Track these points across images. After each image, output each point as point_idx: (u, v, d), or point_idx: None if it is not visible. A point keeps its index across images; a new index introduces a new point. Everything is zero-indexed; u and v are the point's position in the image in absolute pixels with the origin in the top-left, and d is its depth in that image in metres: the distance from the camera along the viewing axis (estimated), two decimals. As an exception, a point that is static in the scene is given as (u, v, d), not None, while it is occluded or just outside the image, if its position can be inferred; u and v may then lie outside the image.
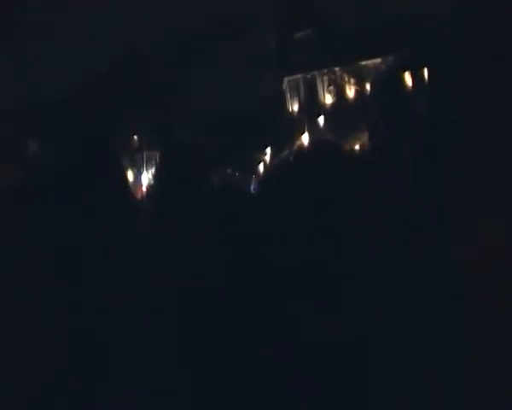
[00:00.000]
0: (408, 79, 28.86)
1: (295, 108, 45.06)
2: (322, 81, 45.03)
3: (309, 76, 44.87)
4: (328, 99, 45.01)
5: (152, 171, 39.02)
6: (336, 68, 44.32)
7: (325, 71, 44.66)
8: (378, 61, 41.51)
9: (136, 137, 42.99)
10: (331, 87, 44.92)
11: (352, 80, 44.44)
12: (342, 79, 44.77)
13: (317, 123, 43.19)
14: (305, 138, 41.74)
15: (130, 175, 40.58)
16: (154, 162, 39.82)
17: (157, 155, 39.85)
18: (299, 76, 44.87)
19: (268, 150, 40.82)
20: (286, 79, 44.82)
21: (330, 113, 43.63)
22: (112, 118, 40.40)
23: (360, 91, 43.29)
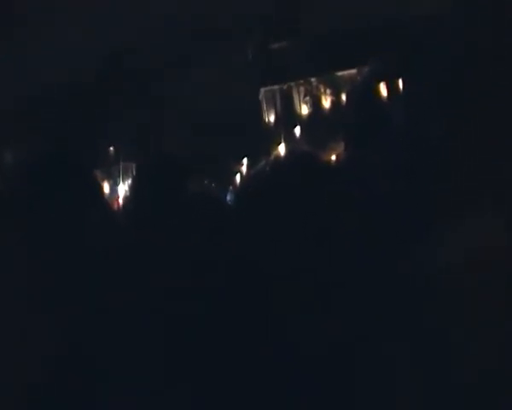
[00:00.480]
0: (383, 89, 29.00)
1: (272, 118, 45.19)
2: (299, 92, 45.20)
3: (285, 87, 45.02)
4: (305, 110, 45.19)
5: (128, 182, 38.87)
6: (312, 79, 44.50)
7: (301, 82, 44.83)
8: (353, 71, 41.71)
9: (112, 148, 42.92)
10: (307, 98, 45.10)
11: (328, 91, 44.63)
12: (318, 89, 44.96)
13: (293, 133, 43.31)
14: (281, 149, 41.80)
15: (106, 187, 40.48)
16: (130, 174, 39.70)
17: (133, 166, 39.73)
18: (276, 87, 45.01)
19: (245, 161, 40.83)
20: (262, 90, 44.95)
21: (306, 123, 43.78)
22: (86, 129, 40.22)
23: (336, 102, 43.47)
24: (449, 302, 2.75)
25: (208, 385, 3.08)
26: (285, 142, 42.20)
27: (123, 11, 40.26)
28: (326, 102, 44.70)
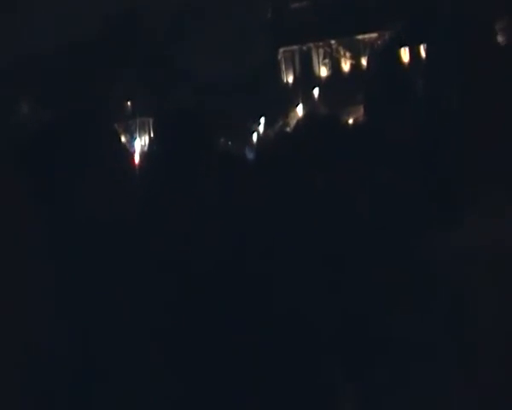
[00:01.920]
0: (405, 55, 28.79)
1: (290, 79, 44.94)
2: (318, 53, 44.88)
3: (304, 48, 44.71)
4: (324, 72, 44.91)
5: (145, 138, 38.90)
6: (332, 41, 44.16)
7: (321, 43, 44.49)
8: (374, 35, 41.37)
9: (129, 103, 42.86)
10: (326, 60, 44.79)
11: (348, 54, 44.30)
12: (338, 52, 44.63)
13: (311, 95, 43.07)
14: (299, 110, 41.62)
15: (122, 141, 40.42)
16: (146, 129, 39.67)
17: (149, 121, 39.71)
18: (295, 47, 44.70)
19: (262, 120, 40.69)
20: (281, 50, 44.65)
21: (325, 85, 43.51)
22: (104, 81, 40.17)
23: (355, 65, 43.17)
24: (458, 291, 2.75)
25: (218, 377, 3.09)
26: (303, 103, 41.98)
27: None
28: (345, 66, 44.41)
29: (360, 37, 42.84)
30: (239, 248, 3.38)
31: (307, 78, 44.15)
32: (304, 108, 41.61)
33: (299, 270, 3.27)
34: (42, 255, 2.73)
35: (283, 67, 44.82)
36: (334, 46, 44.58)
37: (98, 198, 3.03)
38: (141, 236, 3.19)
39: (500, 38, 3.44)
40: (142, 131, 39.89)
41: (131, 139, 39.15)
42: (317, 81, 44.41)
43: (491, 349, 2.66)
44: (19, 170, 2.85)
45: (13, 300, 2.58)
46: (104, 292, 2.85)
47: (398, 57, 5.88)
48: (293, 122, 35.23)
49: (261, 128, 40.25)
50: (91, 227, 2.97)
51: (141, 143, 37.81)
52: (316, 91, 43.40)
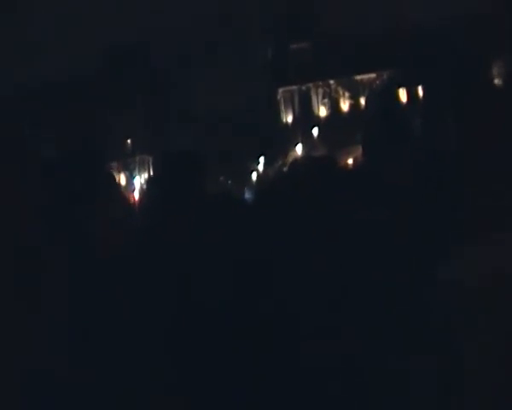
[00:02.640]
0: (403, 95, 28.95)
1: (289, 118, 45.14)
2: (317, 93, 45.13)
3: (304, 88, 44.96)
4: (323, 111, 45.13)
5: (144, 175, 38.95)
6: (331, 81, 44.42)
7: (320, 83, 44.75)
8: (373, 76, 41.64)
9: (128, 141, 42.99)
10: (325, 99, 45.03)
11: (347, 94, 44.55)
12: (337, 92, 44.87)
13: (310, 135, 43.25)
14: (298, 149, 41.78)
15: (122, 179, 40.57)
16: (146, 167, 39.75)
17: (149, 159, 39.80)
18: (294, 87, 44.96)
19: (261, 160, 40.82)
20: (280, 90, 44.90)
21: (324, 125, 43.71)
22: (103, 120, 40.31)
23: (354, 105, 43.38)
24: (459, 320, 2.76)
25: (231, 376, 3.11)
26: (302, 142, 42.15)
27: (140, 6, 40.36)
28: (344, 105, 44.64)
29: (359, 77, 43.12)
30: (238, 286, 3.40)
31: (306, 117, 44.36)
32: (303, 147, 41.77)
33: (298, 308, 3.28)
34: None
35: (283, 107, 45.05)
36: (332, 86, 44.85)
37: (95, 236, 3.06)
38: (141, 271, 3.21)
39: (496, 79, 3.48)
40: (142, 168, 39.98)
41: (131, 177, 39.22)
42: (316, 121, 44.62)
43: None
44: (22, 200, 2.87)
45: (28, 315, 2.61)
46: (106, 327, 2.87)
47: (396, 98, 5.93)
48: (291, 161, 35.28)
49: (260, 167, 40.36)
50: (91, 260, 2.99)
51: (140, 180, 37.86)
52: (315, 131, 43.59)
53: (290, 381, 3.14)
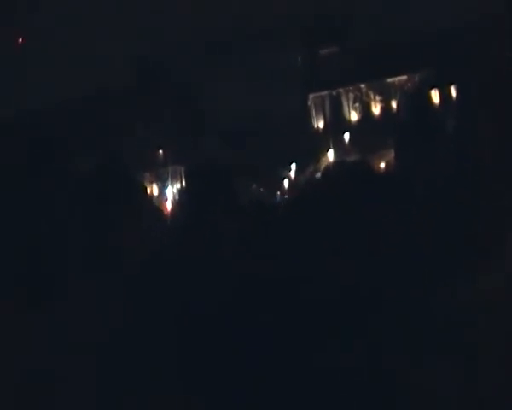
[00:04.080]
0: (435, 96, 28.72)
1: (320, 124, 44.97)
2: (348, 98, 44.94)
3: (334, 93, 44.78)
4: (354, 116, 44.89)
5: (177, 185, 39.07)
6: (362, 85, 44.22)
7: (351, 88, 44.56)
8: (404, 78, 41.38)
9: (161, 151, 43.13)
10: (357, 104, 44.81)
11: (378, 97, 44.30)
12: (368, 96, 44.64)
13: (342, 140, 43.07)
14: (330, 155, 41.65)
15: (155, 189, 40.69)
16: (178, 177, 39.87)
17: (181, 169, 39.90)
18: (325, 92, 44.79)
19: (293, 166, 40.75)
20: (311, 96, 44.76)
21: (356, 130, 43.49)
22: (136, 131, 40.55)
23: (386, 109, 43.13)
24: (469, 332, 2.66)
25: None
26: (334, 148, 41.97)
27: (169, 13, 40.51)
28: (376, 109, 44.39)
29: (390, 80, 42.89)
30: (273, 292, 3.35)
31: (338, 123, 44.19)
32: (335, 153, 41.64)
33: (323, 311, 3.22)
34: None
35: (313, 112, 44.93)
36: (363, 90, 44.65)
37: (128, 248, 3.02)
38: (172, 279, 3.18)
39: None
40: (174, 179, 40.08)
41: (163, 187, 39.36)
42: (348, 126, 44.44)
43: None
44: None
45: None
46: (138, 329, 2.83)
47: (429, 99, 5.85)
48: (324, 168, 35.23)
49: (292, 174, 40.28)
50: (126, 268, 2.96)
51: (173, 190, 37.98)
52: (346, 136, 43.42)
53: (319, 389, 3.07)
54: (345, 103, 44.85)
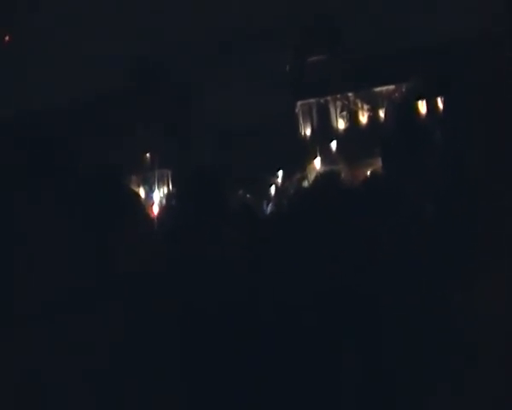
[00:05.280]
0: (422, 106, 28.87)
1: (308, 132, 45.11)
2: (336, 106, 45.09)
3: (322, 101, 44.94)
4: (341, 124, 45.07)
5: (164, 189, 39.05)
6: (349, 94, 44.39)
7: (338, 96, 44.73)
8: (392, 87, 41.57)
9: (148, 155, 43.15)
10: (344, 112, 44.97)
11: (365, 106, 44.48)
12: (355, 104, 44.82)
13: (329, 148, 43.20)
14: (317, 163, 41.74)
15: (141, 193, 40.69)
16: (165, 180, 39.84)
17: (168, 173, 39.89)
18: (313, 100, 44.94)
19: (280, 173, 40.81)
20: (299, 103, 44.89)
21: (343, 138, 43.65)
22: (123, 135, 40.51)
23: (373, 118, 43.30)
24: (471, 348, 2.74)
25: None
26: (321, 156, 42.08)
27: (163, 25, 40.57)
28: (363, 118, 44.58)
29: (377, 89, 43.06)
30: (254, 300, 3.40)
31: (325, 131, 44.33)
32: (321, 161, 41.74)
33: (313, 323, 3.27)
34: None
35: (301, 120, 45.06)
36: (351, 99, 44.81)
37: (116, 250, 3.07)
38: (160, 285, 3.22)
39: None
40: (161, 182, 40.08)
41: (150, 191, 39.33)
42: (335, 134, 44.58)
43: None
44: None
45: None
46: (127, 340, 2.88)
47: (416, 109, 5.93)
48: (310, 175, 35.29)
49: (279, 181, 40.36)
50: (112, 276, 3.01)
51: (159, 194, 37.97)
52: (333, 144, 43.54)
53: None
54: (332, 111, 45.01)
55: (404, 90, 39.15)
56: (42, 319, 2.82)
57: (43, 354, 2.76)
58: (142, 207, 3.53)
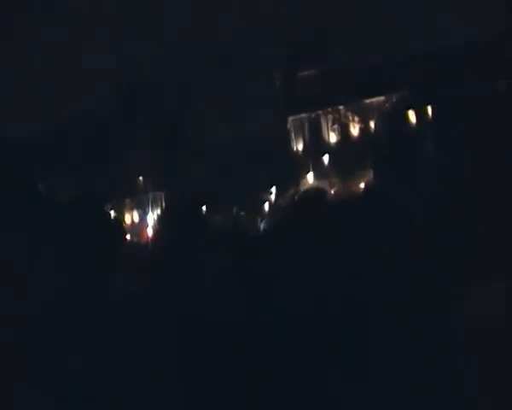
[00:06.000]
0: (411, 116, 28.90)
1: (300, 146, 45.09)
2: (327, 120, 45.10)
3: (313, 115, 44.93)
4: (333, 138, 45.06)
5: (157, 211, 38.99)
6: (340, 107, 44.39)
7: (329, 110, 44.73)
8: (382, 98, 41.61)
9: (141, 178, 43.05)
10: (335, 126, 44.97)
11: (356, 118, 44.49)
12: (346, 117, 44.82)
13: (321, 162, 43.18)
14: (310, 177, 41.75)
15: (135, 216, 40.57)
16: (159, 203, 39.79)
17: (162, 195, 39.84)
18: (304, 115, 44.93)
19: (273, 189, 40.79)
20: (290, 119, 44.89)
21: (335, 151, 43.63)
22: (116, 159, 40.48)
23: (364, 129, 43.32)
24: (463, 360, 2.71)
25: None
26: (313, 170, 42.05)
27: (150, 46, 40.64)
28: (354, 130, 44.60)
29: (368, 100, 43.11)
30: (249, 316, 3.37)
31: (317, 145, 44.34)
32: (314, 175, 41.73)
33: (306, 335, 3.25)
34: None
35: (293, 135, 45.07)
36: (342, 112, 44.85)
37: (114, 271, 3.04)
38: (153, 304, 3.20)
39: (504, 99, 3.44)
40: (155, 205, 40.02)
41: (144, 214, 39.27)
42: (327, 147, 44.59)
43: None
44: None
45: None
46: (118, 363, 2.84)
47: (405, 119, 5.92)
48: (303, 189, 35.23)
49: (273, 197, 40.33)
50: (107, 301, 2.98)
51: (153, 216, 37.90)
52: (326, 158, 43.55)
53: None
54: (324, 125, 45.02)
55: (394, 100, 39.22)
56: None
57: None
58: (122, 232, 3.51)
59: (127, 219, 39.92)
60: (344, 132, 44.62)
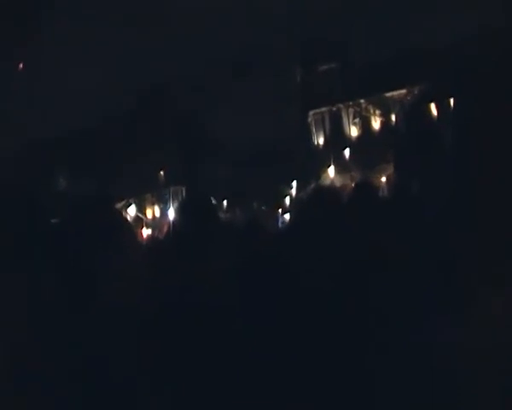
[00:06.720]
0: (434, 110, 28.74)
1: (321, 141, 45.04)
2: (348, 114, 45.01)
3: (334, 109, 44.87)
4: (354, 131, 44.98)
5: (178, 206, 39.07)
6: (361, 100, 44.30)
7: (350, 103, 44.65)
8: (403, 92, 41.47)
9: (162, 172, 43.21)
10: (356, 119, 44.88)
11: (378, 112, 44.37)
12: (367, 111, 44.72)
13: (342, 156, 43.12)
14: (331, 171, 41.67)
15: (156, 211, 40.70)
16: (180, 198, 39.91)
17: (183, 190, 39.93)
18: (325, 109, 44.88)
19: (294, 184, 40.77)
20: (311, 113, 44.85)
21: (356, 145, 43.56)
22: (138, 154, 40.64)
23: (386, 123, 43.19)
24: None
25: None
26: (334, 164, 42.00)
27: (174, 41, 40.75)
28: (375, 124, 44.47)
29: (389, 94, 42.97)
30: (273, 310, 3.34)
31: (338, 139, 44.25)
32: (335, 169, 41.67)
33: (322, 328, 3.20)
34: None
35: (314, 129, 45.01)
36: (363, 105, 44.73)
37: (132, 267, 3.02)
38: (171, 298, 3.17)
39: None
40: (176, 199, 40.13)
41: (165, 208, 39.38)
42: (348, 141, 44.51)
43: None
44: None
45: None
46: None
47: (427, 113, 5.85)
48: (325, 184, 35.17)
49: (293, 192, 40.31)
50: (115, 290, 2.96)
51: (173, 211, 38.03)
52: (347, 152, 43.47)
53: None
54: (345, 119, 44.93)
55: (415, 93, 39.06)
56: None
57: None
58: (132, 233, 3.49)
59: (148, 213, 40.09)
60: (365, 126, 44.51)
